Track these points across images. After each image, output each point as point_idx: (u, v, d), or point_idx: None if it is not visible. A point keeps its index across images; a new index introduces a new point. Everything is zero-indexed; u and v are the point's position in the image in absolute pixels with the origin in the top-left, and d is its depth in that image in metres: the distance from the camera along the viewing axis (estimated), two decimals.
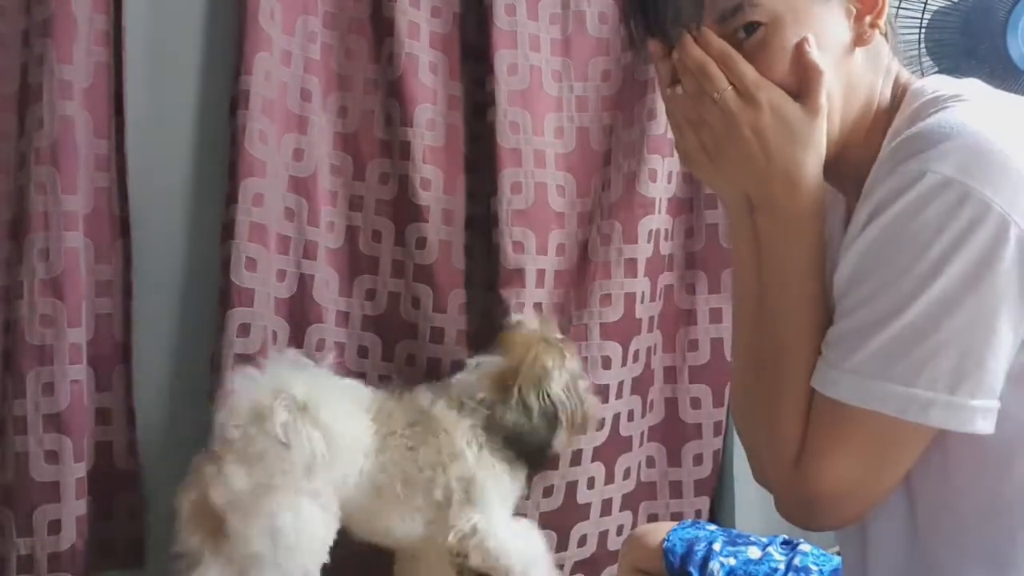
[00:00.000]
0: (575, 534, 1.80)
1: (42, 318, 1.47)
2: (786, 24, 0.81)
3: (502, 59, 1.76)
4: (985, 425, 0.74)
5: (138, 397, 1.63)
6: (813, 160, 0.82)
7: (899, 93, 0.87)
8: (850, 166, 0.86)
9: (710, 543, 1.19)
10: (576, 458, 1.78)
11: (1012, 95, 0.86)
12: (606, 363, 1.79)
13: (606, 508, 1.84)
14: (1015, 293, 0.72)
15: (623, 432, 1.84)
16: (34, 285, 1.47)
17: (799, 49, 0.81)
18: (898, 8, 1.62)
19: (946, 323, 0.72)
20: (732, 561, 1.17)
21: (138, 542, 1.63)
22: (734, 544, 1.20)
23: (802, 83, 0.81)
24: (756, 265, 0.88)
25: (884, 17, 0.87)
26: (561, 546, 1.77)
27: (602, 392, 1.78)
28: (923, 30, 1.64)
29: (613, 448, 1.83)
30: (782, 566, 1.16)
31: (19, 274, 1.48)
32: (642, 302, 1.83)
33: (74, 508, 1.49)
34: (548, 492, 1.77)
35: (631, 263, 1.81)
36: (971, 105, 0.78)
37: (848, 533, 0.93)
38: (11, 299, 1.49)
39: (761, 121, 0.81)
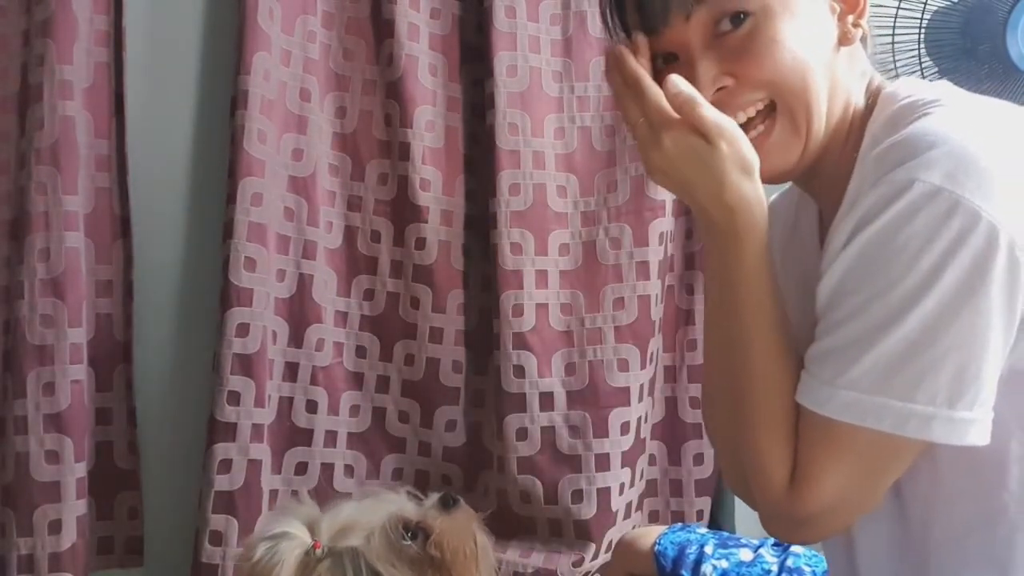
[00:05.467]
0: (605, 540, 1.78)
1: (43, 318, 1.48)
2: (775, 15, 0.80)
3: (501, 61, 1.76)
4: (981, 437, 0.73)
5: (138, 397, 1.63)
6: (735, 181, 0.79)
7: (872, 97, 0.87)
8: (825, 171, 0.85)
9: (701, 546, 1.19)
10: (605, 463, 1.77)
11: (985, 98, 0.85)
12: (623, 365, 1.79)
13: (628, 510, 1.84)
14: (1006, 300, 0.71)
15: (641, 435, 1.84)
16: (35, 285, 1.47)
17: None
18: (898, 8, 1.62)
19: (943, 335, 0.71)
20: (724, 564, 1.17)
21: (138, 541, 1.63)
22: (725, 546, 1.20)
23: (688, 120, 0.78)
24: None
25: (866, 17, 0.86)
26: (594, 555, 1.76)
27: (623, 394, 1.78)
28: (923, 30, 1.63)
29: (636, 451, 1.83)
30: (775, 567, 1.16)
31: (20, 274, 1.48)
32: (656, 304, 1.83)
33: (75, 508, 1.49)
34: (578, 498, 1.76)
35: (643, 266, 1.81)
36: (951, 111, 0.77)
37: (835, 542, 0.93)
38: (11, 299, 1.49)
39: (667, 159, 0.79)
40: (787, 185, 1.00)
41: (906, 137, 0.75)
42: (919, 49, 1.64)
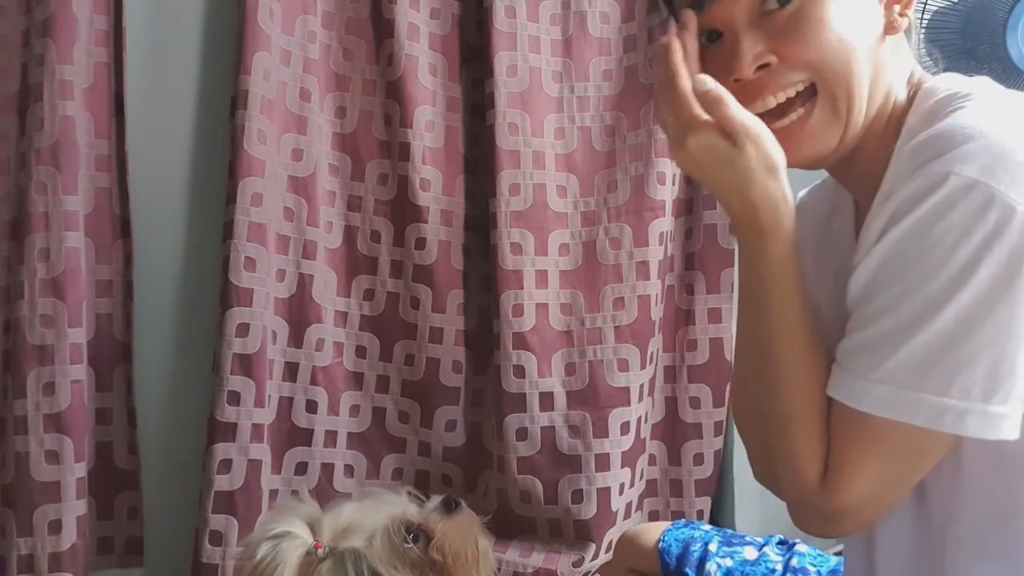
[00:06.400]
0: (605, 540, 1.78)
1: (43, 318, 1.47)
2: None
3: (501, 61, 1.76)
4: (1013, 431, 0.73)
5: (138, 397, 1.63)
6: (760, 181, 0.79)
7: (913, 91, 0.86)
8: (862, 162, 0.85)
9: (706, 544, 1.19)
10: (605, 463, 1.77)
11: (1021, 93, 0.84)
12: (623, 365, 1.79)
13: (628, 510, 1.84)
14: None
15: (641, 435, 1.84)
16: (35, 285, 1.47)
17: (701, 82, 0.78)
18: None
19: (979, 329, 0.71)
20: (729, 562, 1.16)
21: (138, 541, 1.63)
22: (730, 544, 1.20)
23: (715, 119, 0.78)
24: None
25: (912, 7, 0.86)
26: (594, 555, 1.76)
27: (623, 394, 1.78)
28: (923, 30, 1.63)
29: (636, 451, 1.83)
30: (779, 567, 1.16)
31: (20, 274, 1.48)
32: (656, 304, 1.83)
33: (74, 508, 1.49)
34: (578, 498, 1.76)
35: (643, 266, 1.81)
36: (987, 105, 0.77)
37: (855, 538, 0.93)
38: (12, 299, 1.49)
39: (693, 159, 0.80)
40: (820, 177, 1.00)
41: (942, 130, 0.75)
42: (919, 49, 1.64)
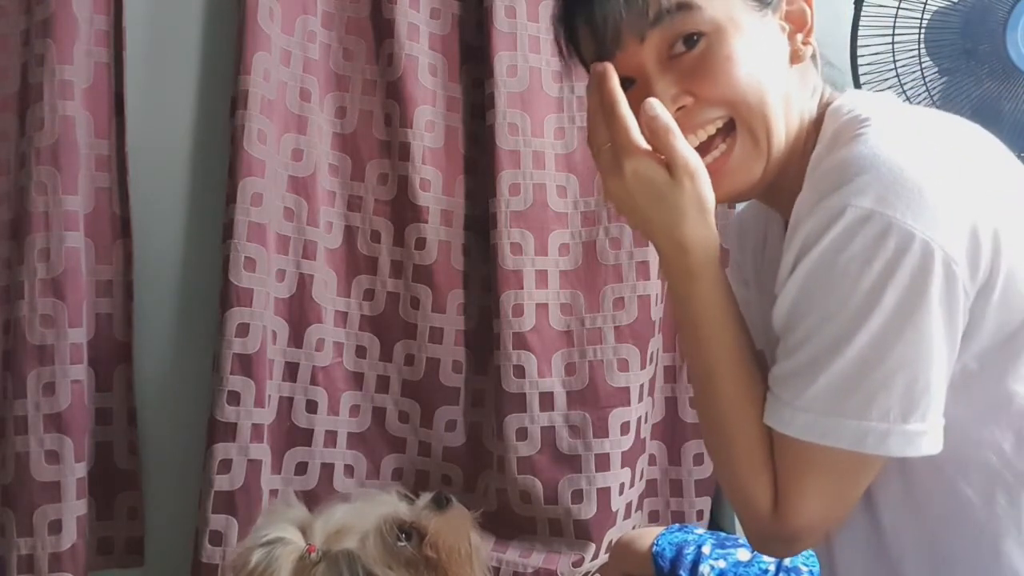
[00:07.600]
0: (605, 540, 1.78)
1: (43, 318, 1.48)
2: (727, 34, 0.82)
3: (501, 61, 1.76)
4: (934, 446, 0.75)
5: (138, 397, 1.64)
6: (692, 220, 0.80)
7: (822, 110, 0.88)
8: (785, 185, 0.86)
9: (699, 546, 1.19)
10: (605, 463, 1.77)
11: (921, 109, 0.86)
12: (623, 365, 1.79)
13: (628, 510, 1.84)
14: (946, 313, 0.73)
15: (641, 435, 1.84)
16: (35, 285, 1.48)
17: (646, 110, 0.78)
18: (898, 8, 1.61)
19: (890, 352, 0.73)
20: (722, 564, 1.17)
21: (138, 541, 1.63)
22: (723, 547, 1.20)
23: (657, 149, 0.79)
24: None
25: (813, 35, 0.88)
26: (594, 555, 1.76)
27: (623, 394, 1.78)
28: (923, 30, 1.63)
29: (636, 451, 1.82)
30: (772, 567, 1.16)
31: (20, 274, 1.49)
32: (656, 304, 1.83)
33: (74, 508, 1.49)
34: (578, 498, 1.75)
35: (643, 266, 1.81)
36: (882, 131, 0.78)
37: (818, 548, 0.95)
38: (12, 299, 1.50)
39: (626, 188, 0.80)
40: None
41: (839, 162, 0.77)
42: (919, 49, 1.63)
